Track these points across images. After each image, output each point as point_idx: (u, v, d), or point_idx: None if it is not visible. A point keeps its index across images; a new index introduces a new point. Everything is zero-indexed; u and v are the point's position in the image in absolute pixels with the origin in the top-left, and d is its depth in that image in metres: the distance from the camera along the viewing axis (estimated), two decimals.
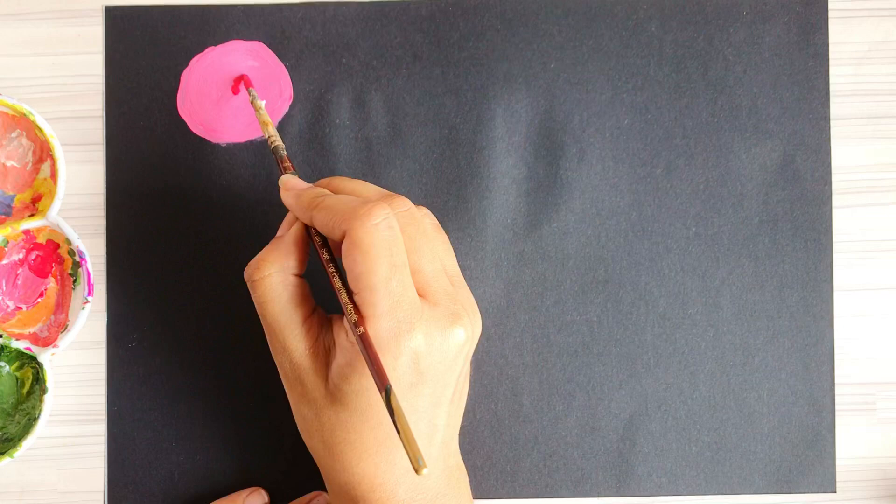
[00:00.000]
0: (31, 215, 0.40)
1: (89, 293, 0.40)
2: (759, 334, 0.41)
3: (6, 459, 0.39)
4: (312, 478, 0.40)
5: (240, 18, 0.41)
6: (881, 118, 0.42)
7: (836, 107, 0.42)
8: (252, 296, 0.34)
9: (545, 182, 0.41)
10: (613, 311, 0.41)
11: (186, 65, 0.41)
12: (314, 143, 0.41)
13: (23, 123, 0.41)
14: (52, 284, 0.41)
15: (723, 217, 0.41)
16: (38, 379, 0.40)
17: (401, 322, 0.31)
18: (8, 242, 0.41)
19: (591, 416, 0.41)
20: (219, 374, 0.41)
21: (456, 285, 0.34)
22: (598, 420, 0.41)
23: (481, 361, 0.41)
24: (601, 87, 0.41)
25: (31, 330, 0.41)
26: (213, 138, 0.41)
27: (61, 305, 0.41)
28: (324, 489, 0.39)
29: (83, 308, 0.40)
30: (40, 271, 0.41)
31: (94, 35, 0.41)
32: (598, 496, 0.41)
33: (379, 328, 0.31)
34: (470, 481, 0.41)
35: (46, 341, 0.41)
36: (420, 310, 0.31)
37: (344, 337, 0.32)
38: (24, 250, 0.41)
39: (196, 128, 0.41)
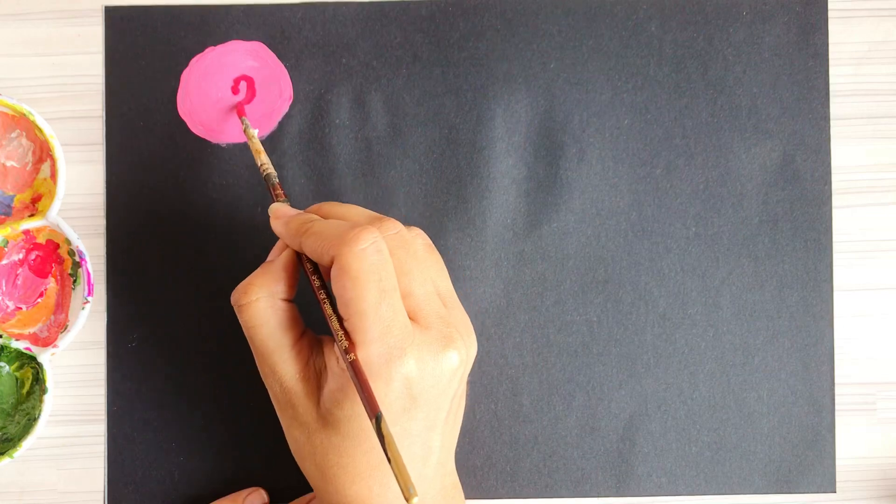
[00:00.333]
0: (31, 215, 0.40)
1: (89, 293, 0.40)
2: (759, 334, 0.41)
3: (6, 459, 0.39)
4: None
5: (240, 18, 0.41)
6: (881, 118, 0.42)
7: (836, 107, 0.42)
8: (239, 320, 0.34)
9: (545, 182, 0.41)
10: (613, 311, 0.41)
11: (186, 65, 0.41)
12: (314, 143, 0.41)
13: (23, 123, 0.41)
14: (51, 284, 0.41)
15: (723, 217, 0.41)
16: (38, 379, 0.40)
17: (392, 347, 0.31)
18: (8, 242, 0.41)
19: (591, 416, 0.41)
20: (219, 374, 0.41)
21: (449, 307, 0.34)
22: (598, 420, 0.41)
23: (481, 361, 0.41)
24: (601, 87, 0.41)
25: (31, 330, 0.41)
26: (213, 138, 0.41)
27: (61, 305, 0.41)
28: None
29: (83, 308, 0.40)
30: (40, 271, 0.41)
31: (94, 35, 0.41)
32: (598, 496, 0.41)
33: (370, 354, 0.31)
34: (470, 481, 0.41)
35: (46, 341, 0.41)
36: (411, 334, 0.31)
37: (335, 362, 0.32)
38: (23, 250, 0.41)
39: (196, 128, 0.41)
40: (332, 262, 0.31)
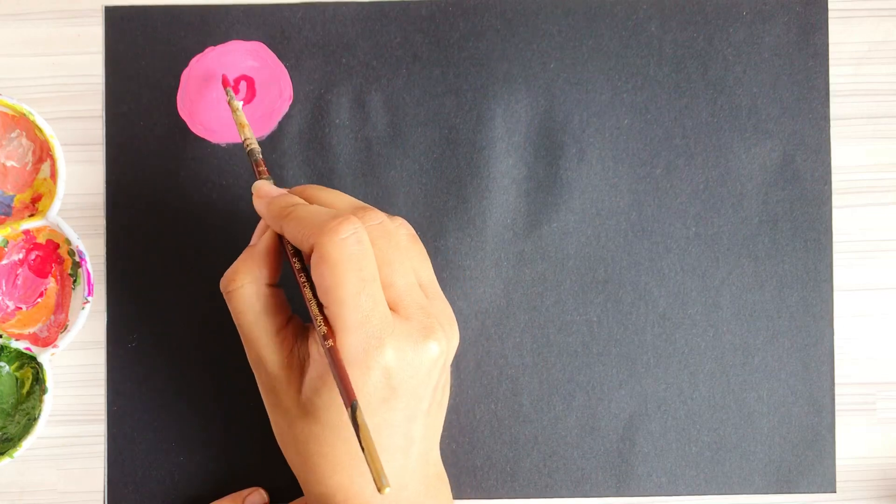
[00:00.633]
0: (31, 215, 0.40)
1: (89, 293, 0.40)
2: (759, 334, 0.41)
3: (6, 459, 0.39)
4: None
5: (240, 18, 0.41)
6: (881, 118, 0.42)
7: (836, 107, 0.42)
8: (228, 307, 0.34)
9: (545, 182, 0.41)
10: (613, 311, 0.41)
11: (186, 65, 0.41)
12: (314, 143, 0.41)
13: (23, 123, 0.41)
14: (51, 284, 0.41)
15: (723, 217, 0.41)
16: (38, 379, 0.40)
17: (370, 337, 0.30)
18: (8, 242, 0.41)
19: (591, 416, 0.41)
20: (219, 373, 0.41)
21: (431, 297, 0.34)
22: (598, 420, 0.41)
23: (481, 361, 0.41)
24: (601, 87, 0.41)
25: (31, 330, 0.41)
26: (214, 138, 0.41)
27: (61, 305, 0.41)
28: None
29: (83, 308, 0.40)
30: (40, 271, 0.41)
31: (94, 35, 0.41)
32: (598, 496, 0.41)
33: (348, 343, 0.31)
34: (470, 481, 0.41)
35: (46, 341, 0.41)
36: (391, 324, 0.31)
37: (317, 349, 0.32)
38: (23, 250, 0.41)
39: (196, 128, 0.41)
40: (311, 250, 0.31)
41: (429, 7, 0.41)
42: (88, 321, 0.41)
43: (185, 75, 0.41)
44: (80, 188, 0.41)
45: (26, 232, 0.41)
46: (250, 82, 0.41)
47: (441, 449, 0.41)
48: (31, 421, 0.40)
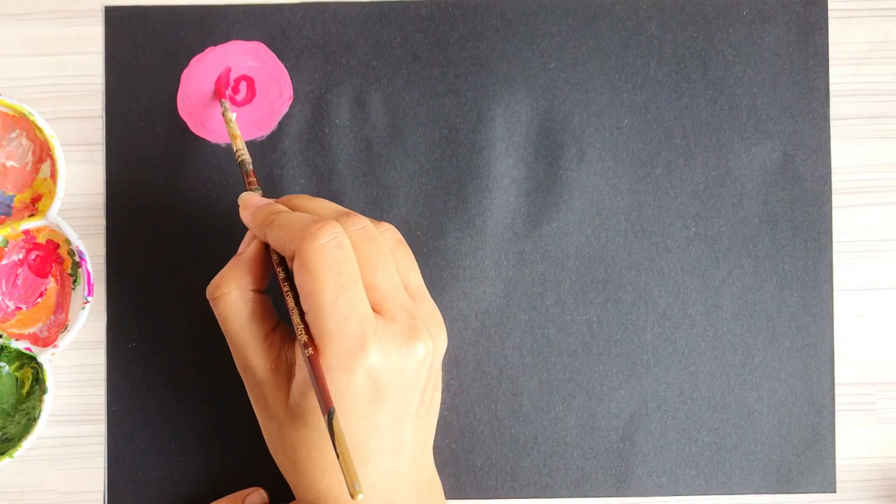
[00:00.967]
0: (31, 215, 0.40)
1: (89, 293, 0.40)
2: (759, 334, 0.41)
3: (6, 459, 0.39)
4: None
5: (240, 18, 0.41)
6: (881, 118, 0.42)
7: (836, 107, 0.42)
8: (214, 313, 0.34)
9: (545, 182, 0.41)
10: (613, 311, 0.41)
11: (186, 65, 0.41)
12: (314, 143, 0.41)
13: (23, 123, 0.41)
14: (51, 284, 0.41)
15: (723, 217, 0.41)
16: (38, 379, 0.40)
17: (352, 340, 0.31)
18: (8, 242, 0.41)
19: (591, 416, 0.41)
20: (219, 373, 0.41)
21: (418, 300, 0.34)
22: (598, 420, 0.41)
23: (481, 361, 0.41)
24: (601, 87, 0.41)
25: (31, 330, 0.41)
26: (214, 138, 0.41)
27: (61, 305, 0.41)
28: None
29: (83, 308, 0.40)
30: (40, 271, 0.41)
31: (94, 35, 0.41)
32: (598, 496, 0.41)
33: (330, 347, 0.31)
34: (470, 481, 0.41)
35: (46, 341, 0.41)
36: (373, 326, 0.31)
37: (301, 355, 0.32)
38: (23, 250, 0.41)
39: (196, 128, 0.41)
40: (293, 256, 0.31)
41: (429, 7, 0.41)
42: (88, 321, 0.41)
43: (185, 75, 0.41)
44: (80, 188, 0.41)
45: (26, 232, 0.41)
46: (250, 82, 0.41)
47: (441, 449, 0.40)
48: (31, 421, 0.40)
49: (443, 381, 0.41)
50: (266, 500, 0.40)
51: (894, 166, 0.42)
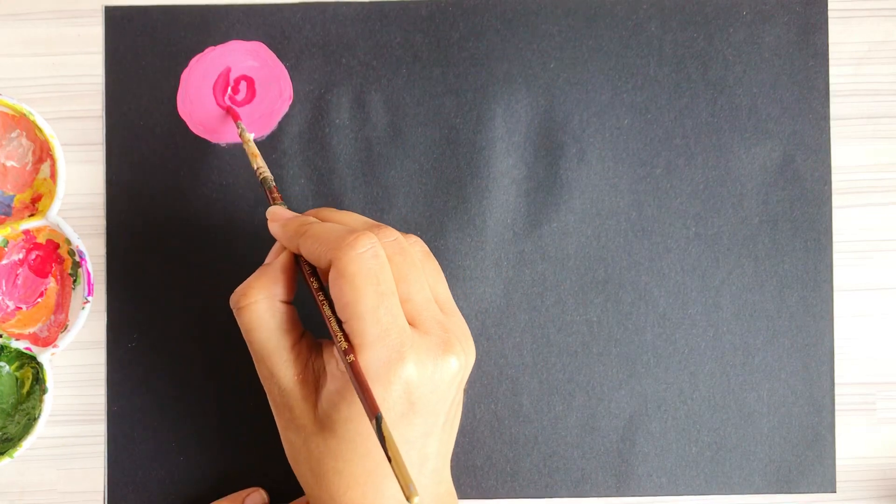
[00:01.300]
0: (31, 215, 0.40)
1: (89, 293, 0.40)
2: (759, 334, 0.41)
3: (6, 459, 0.39)
4: None
5: (240, 18, 0.41)
6: (881, 118, 0.42)
7: (836, 107, 0.42)
8: (238, 322, 0.34)
9: (545, 182, 0.41)
10: (613, 311, 0.41)
11: (186, 65, 0.41)
12: (314, 143, 0.41)
13: (23, 123, 0.41)
14: (51, 284, 0.41)
15: (723, 217, 0.41)
16: (38, 379, 0.40)
17: (391, 351, 0.31)
18: (8, 242, 0.41)
19: (591, 416, 0.41)
20: (219, 373, 0.41)
21: (447, 313, 0.34)
22: (598, 420, 0.41)
23: (481, 361, 0.41)
24: (601, 87, 0.41)
25: (31, 330, 0.41)
26: (213, 138, 0.41)
27: (61, 305, 0.41)
28: None
29: (83, 308, 0.40)
30: (40, 271, 0.41)
31: (94, 35, 0.41)
32: (598, 496, 0.41)
33: (369, 357, 0.31)
34: (470, 481, 0.41)
35: (46, 341, 0.41)
36: (411, 338, 0.31)
37: (334, 364, 0.32)
38: (24, 250, 0.41)
39: (196, 128, 0.41)
40: (329, 266, 0.31)
41: (429, 7, 0.41)
42: (88, 321, 0.41)
43: (185, 75, 0.41)
44: (80, 188, 0.41)
45: (26, 232, 0.41)
46: (250, 82, 0.41)
47: None
48: (31, 421, 0.40)
49: None
50: (266, 500, 0.40)
51: (894, 166, 0.42)
